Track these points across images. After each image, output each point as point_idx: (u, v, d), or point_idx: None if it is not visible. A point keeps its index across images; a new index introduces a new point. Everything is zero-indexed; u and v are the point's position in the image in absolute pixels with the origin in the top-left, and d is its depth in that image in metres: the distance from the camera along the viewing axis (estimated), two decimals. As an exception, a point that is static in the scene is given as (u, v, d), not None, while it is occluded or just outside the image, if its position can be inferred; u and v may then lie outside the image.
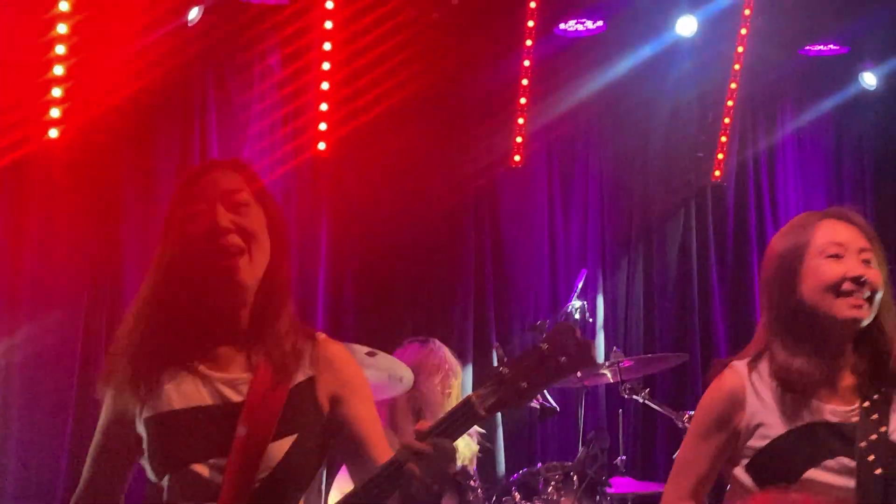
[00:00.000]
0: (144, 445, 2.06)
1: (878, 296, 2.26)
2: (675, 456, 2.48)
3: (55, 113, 4.75)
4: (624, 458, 4.64)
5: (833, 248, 2.27)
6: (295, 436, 2.04)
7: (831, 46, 5.74)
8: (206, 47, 5.04)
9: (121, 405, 2.09)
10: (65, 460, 4.76)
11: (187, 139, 5.12)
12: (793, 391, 2.27)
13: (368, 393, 2.18)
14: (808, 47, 5.76)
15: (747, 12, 5.43)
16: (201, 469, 1.98)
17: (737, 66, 5.60)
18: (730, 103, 5.71)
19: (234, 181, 2.07)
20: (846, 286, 2.23)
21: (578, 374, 4.33)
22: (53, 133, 4.75)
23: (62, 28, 4.78)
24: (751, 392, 2.31)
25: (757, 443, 2.26)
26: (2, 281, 4.85)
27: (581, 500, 4.09)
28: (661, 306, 5.93)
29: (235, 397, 2.03)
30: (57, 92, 4.76)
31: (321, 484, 3.79)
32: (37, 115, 4.77)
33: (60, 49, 4.81)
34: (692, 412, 3.99)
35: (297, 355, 2.10)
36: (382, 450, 2.10)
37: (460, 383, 4.23)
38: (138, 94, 4.86)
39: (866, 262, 2.27)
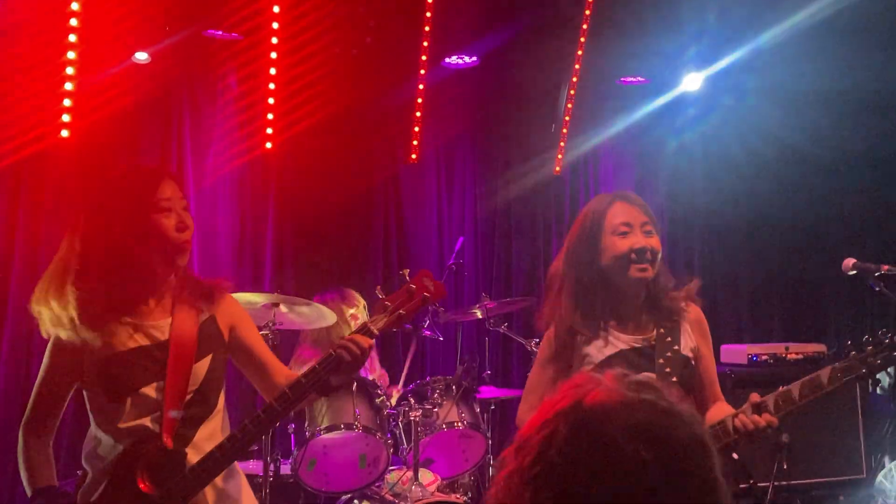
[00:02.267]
0: (97, 380, 2.27)
1: (659, 256, 2.51)
2: (528, 374, 2.77)
3: (66, 117, 4.96)
4: (489, 372, 5.22)
5: (622, 227, 2.49)
6: (210, 356, 2.35)
7: (639, 78, 6.64)
8: (181, 71, 5.52)
9: (67, 349, 2.29)
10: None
11: (167, 140, 5.50)
12: (600, 327, 2.52)
13: (251, 321, 2.51)
14: (622, 79, 6.66)
15: (580, 53, 6.36)
16: (149, 391, 2.27)
17: (571, 92, 6.44)
18: (567, 118, 6.54)
19: (178, 191, 2.35)
20: (633, 256, 2.47)
21: (438, 306, 4.82)
22: (65, 133, 4.97)
23: (72, 37, 4.92)
24: (578, 332, 2.54)
25: (585, 368, 2.49)
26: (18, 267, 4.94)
27: (458, 403, 4.55)
28: (517, 265, 6.54)
29: (162, 336, 2.32)
30: (67, 101, 4.95)
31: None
32: (50, 118, 4.93)
33: (71, 55, 4.93)
34: (537, 339, 4.61)
35: (201, 300, 2.39)
36: (270, 356, 2.46)
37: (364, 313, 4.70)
38: (131, 105, 5.26)
39: (648, 232, 2.50)
